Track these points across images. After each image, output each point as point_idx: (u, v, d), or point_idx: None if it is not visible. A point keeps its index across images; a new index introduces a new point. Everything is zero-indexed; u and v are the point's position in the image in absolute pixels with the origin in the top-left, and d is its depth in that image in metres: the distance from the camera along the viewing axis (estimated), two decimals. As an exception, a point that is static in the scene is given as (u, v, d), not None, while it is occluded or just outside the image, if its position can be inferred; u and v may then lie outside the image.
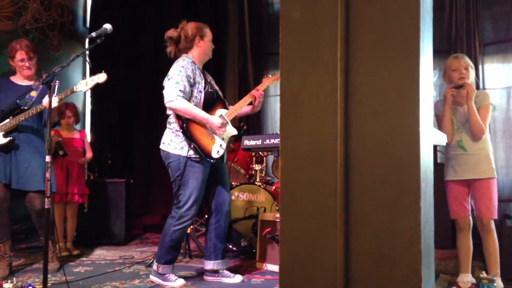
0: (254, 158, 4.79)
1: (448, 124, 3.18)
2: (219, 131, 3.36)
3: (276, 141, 3.78)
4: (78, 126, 4.91)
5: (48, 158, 2.77)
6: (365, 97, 1.51)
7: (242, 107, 3.59)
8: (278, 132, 1.59)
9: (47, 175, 2.74)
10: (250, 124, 6.08)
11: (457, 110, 3.20)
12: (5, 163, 3.60)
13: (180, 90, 3.24)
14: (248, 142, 3.91)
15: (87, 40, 6.49)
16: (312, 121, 1.56)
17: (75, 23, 6.62)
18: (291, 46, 1.61)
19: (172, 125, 3.37)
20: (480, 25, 5.16)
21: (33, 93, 3.67)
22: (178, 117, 3.32)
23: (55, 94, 3.42)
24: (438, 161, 4.91)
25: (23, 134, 3.65)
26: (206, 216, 3.71)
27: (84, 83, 3.46)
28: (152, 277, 3.41)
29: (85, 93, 6.71)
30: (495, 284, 2.46)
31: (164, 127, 3.48)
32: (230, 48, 6.47)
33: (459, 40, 5.21)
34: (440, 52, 5.30)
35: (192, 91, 3.34)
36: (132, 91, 6.92)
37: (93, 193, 4.81)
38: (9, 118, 3.60)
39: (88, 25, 6.85)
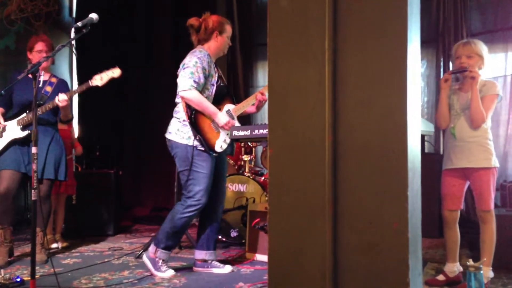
0: (243, 149, 4.79)
1: (444, 110, 3.11)
2: (224, 128, 3.38)
3: (265, 131, 3.76)
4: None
5: (34, 150, 2.74)
6: (353, 87, 1.51)
7: (248, 106, 3.63)
8: (267, 123, 1.59)
9: (34, 166, 2.72)
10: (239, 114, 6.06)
11: (460, 95, 3.11)
12: (22, 154, 3.72)
13: (195, 81, 3.26)
14: (237, 133, 3.88)
15: (72, 30, 6.41)
16: (301, 111, 1.56)
17: (61, 13, 6.53)
18: (279, 36, 1.61)
19: (179, 114, 3.37)
20: (467, 15, 5.18)
21: (48, 88, 3.84)
22: (188, 106, 3.32)
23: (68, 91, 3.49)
24: (426, 150, 4.95)
25: (39, 126, 3.66)
26: None
27: (99, 78, 3.58)
28: (145, 260, 3.38)
29: (71, 84, 6.65)
30: (481, 272, 2.48)
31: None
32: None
33: (446, 31, 5.23)
34: (428, 42, 5.33)
35: (205, 83, 3.35)
36: (121, 82, 6.85)
37: (81, 185, 4.78)
38: (25, 112, 3.74)
39: (74, 15, 6.76)
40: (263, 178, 4.56)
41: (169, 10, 6.63)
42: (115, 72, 3.59)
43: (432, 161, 4.39)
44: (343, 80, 1.52)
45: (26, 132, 3.69)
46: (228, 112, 3.48)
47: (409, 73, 1.46)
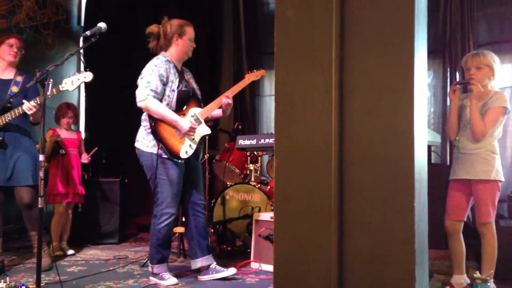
0: (249, 158, 4.79)
1: (452, 121, 3.10)
2: (188, 134, 3.33)
3: (271, 140, 3.77)
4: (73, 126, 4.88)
5: (41, 157, 2.76)
6: (360, 97, 1.51)
7: (214, 108, 3.54)
8: (273, 132, 1.59)
9: (41, 174, 2.73)
10: (245, 123, 6.07)
11: (467, 108, 3.09)
12: None
13: (152, 90, 3.26)
14: (243, 142, 3.91)
15: (81, 38, 6.46)
16: (307, 121, 1.56)
17: (69, 22, 6.59)
18: (286, 46, 1.61)
19: (144, 123, 3.39)
20: (474, 26, 5.17)
21: (14, 88, 3.65)
22: (149, 116, 3.33)
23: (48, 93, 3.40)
24: (433, 161, 4.93)
25: (9, 133, 3.63)
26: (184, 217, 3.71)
27: (70, 82, 3.38)
28: (151, 278, 3.41)
29: (79, 92, 6.69)
30: (488, 284, 2.46)
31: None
32: (225, 48, 6.47)
33: (453, 41, 5.23)
34: (435, 52, 5.33)
35: (164, 90, 3.33)
36: (127, 90, 6.89)
37: (87, 193, 4.78)
38: None
39: (82, 23, 6.81)
40: (268, 187, 4.55)
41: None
42: (87, 76, 3.37)
43: (439, 172, 4.37)
44: (349, 89, 1.52)
45: None
46: (194, 116, 3.43)
47: (415, 83, 1.46)
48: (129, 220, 5.91)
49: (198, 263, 3.49)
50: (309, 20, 1.58)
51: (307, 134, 1.56)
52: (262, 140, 3.78)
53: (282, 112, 1.62)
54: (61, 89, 3.42)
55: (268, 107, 6.14)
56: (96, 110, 6.76)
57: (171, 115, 3.30)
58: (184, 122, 3.32)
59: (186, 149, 3.34)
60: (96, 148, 4.90)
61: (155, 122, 3.30)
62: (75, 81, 3.39)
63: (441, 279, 3.38)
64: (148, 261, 3.45)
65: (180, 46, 3.45)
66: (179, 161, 3.32)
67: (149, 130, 3.33)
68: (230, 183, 4.66)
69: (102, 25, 3.05)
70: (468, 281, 3.11)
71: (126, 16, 6.82)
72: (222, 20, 6.49)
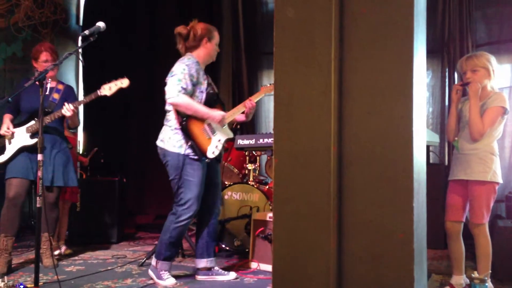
0: (247, 158, 4.79)
1: (451, 122, 3.11)
2: (222, 123, 3.40)
3: (270, 140, 3.78)
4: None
5: (40, 157, 2.76)
6: (359, 97, 1.51)
7: (238, 113, 3.62)
8: (272, 132, 1.59)
9: (39, 173, 2.73)
10: (243, 123, 6.06)
11: (466, 109, 3.08)
12: (31, 161, 3.72)
13: (182, 87, 3.26)
14: (242, 142, 3.91)
15: (79, 38, 6.46)
16: (306, 121, 1.57)
17: (68, 21, 6.58)
18: (285, 46, 1.61)
19: (171, 123, 3.37)
20: (473, 26, 5.18)
21: (56, 95, 3.88)
22: (178, 113, 3.32)
23: (47, 92, 3.43)
24: (431, 161, 4.93)
25: (47, 135, 3.71)
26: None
27: (108, 88, 3.65)
28: (150, 272, 3.41)
29: (77, 92, 6.68)
30: (486, 284, 2.47)
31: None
32: (224, 48, 6.43)
33: (452, 41, 5.23)
34: (433, 53, 5.33)
35: (194, 90, 3.36)
36: (126, 90, 6.88)
37: (86, 192, 4.79)
38: (34, 119, 3.76)
39: (81, 23, 6.81)
40: (267, 187, 4.55)
41: (173, 20, 6.64)
42: (124, 82, 3.65)
43: (437, 172, 4.38)
44: (348, 90, 1.52)
45: (35, 140, 3.70)
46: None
47: (414, 83, 1.46)
48: (127, 220, 5.91)
49: (203, 263, 3.50)
50: (309, 20, 1.58)
51: (306, 134, 1.56)
52: (261, 140, 3.79)
53: (281, 112, 1.62)
54: (99, 94, 3.68)
55: (267, 107, 6.13)
56: (95, 110, 6.75)
57: (203, 108, 3.34)
58: (216, 113, 3.38)
59: (212, 150, 3.37)
60: (96, 148, 4.90)
61: (187, 119, 3.30)
62: (112, 87, 3.68)
63: (440, 279, 3.39)
64: (153, 256, 3.43)
65: (208, 49, 3.50)
66: (206, 160, 3.34)
67: (176, 130, 3.32)
68: (229, 183, 4.66)
69: (100, 24, 3.05)
70: (468, 281, 3.11)
71: (125, 15, 6.81)
72: (221, 19, 6.47)
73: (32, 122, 3.76)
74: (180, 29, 3.48)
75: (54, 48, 3.98)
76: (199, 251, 3.52)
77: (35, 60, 3.90)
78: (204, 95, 3.41)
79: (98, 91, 3.65)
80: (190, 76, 3.31)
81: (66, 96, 3.87)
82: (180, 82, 3.26)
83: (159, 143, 3.40)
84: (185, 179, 3.30)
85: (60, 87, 3.97)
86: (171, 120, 3.37)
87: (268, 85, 3.91)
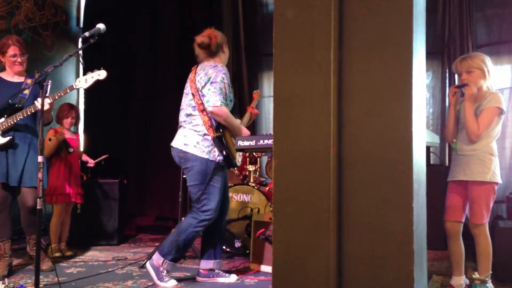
0: (248, 159, 4.79)
1: (450, 124, 3.14)
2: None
3: (270, 141, 3.77)
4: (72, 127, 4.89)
5: (40, 158, 2.75)
6: (358, 98, 1.51)
7: (248, 121, 3.82)
8: (272, 133, 1.59)
9: (40, 175, 2.73)
10: (243, 125, 6.07)
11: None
12: (7, 162, 3.60)
13: (223, 97, 3.30)
14: (242, 143, 3.89)
15: (80, 39, 6.46)
16: (306, 122, 1.57)
17: (68, 23, 6.59)
18: (285, 47, 1.62)
19: (199, 128, 3.33)
20: (473, 27, 5.18)
21: (26, 91, 3.66)
22: (211, 120, 3.33)
23: (47, 94, 3.41)
24: (431, 162, 4.93)
25: (18, 133, 3.64)
26: None
27: (84, 80, 3.41)
28: (149, 267, 3.36)
29: (78, 93, 6.69)
30: (487, 285, 2.47)
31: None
32: (224, 49, 6.47)
33: (452, 42, 5.23)
34: (433, 53, 5.33)
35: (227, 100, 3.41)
36: (126, 91, 6.90)
37: (86, 194, 4.79)
38: (3, 117, 3.60)
39: (81, 25, 6.81)
40: (267, 188, 4.55)
41: (174, 22, 6.66)
42: (101, 74, 3.39)
43: (437, 173, 4.37)
44: (348, 91, 1.52)
45: (6, 139, 3.57)
46: None
47: (414, 84, 1.46)
48: (128, 221, 5.91)
49: (209, 264, 3.49)
50: (308, 21, 1.58)
51: (306, 135, 1.56)
52: (261, 141, 3.77)
53: (280, 113, 1.62)
54: (75, 87, 3.45)
55: (267, 108, 6.14)
56: (95, 111, 6.76)
57: (237, 123, 3.47)
58: (245, 130, 3.53)
59: (238, 158, 3.52)
60: (108, 155, 4.90)
61: (223, 130, 3.36)
62: (88, 79, 3.41)
63: (440, 280, 3.38)
64: (158, 253, 3.39)
65: (226, 54, 3.57)
66: (234, 168, 3.46)
67: (206, 136, 3.31)
68: (229, 184, 4.66)
69: (101, 26, 3.05)
70: (468, 282, 3.11)
71: (125, 15, 6.82)
72: (221, 20, 6.48)
73: (2, 120, 3.59)
74: (202, 38, 3.45)
75: (22, 41, 3.81)
76: (207, 252, 3.51)
77: (2, 55, 3.74)
78: (232, 104, 3.47)
79: (74, 84, 3.44)
80: (228, 86, 3.37)
81: (36, 94, 3.66)
82: (222, 92, 3.29)
83: (182, 146, 3.35)
84: (211, 185, 3.31)
85: (29, 81, 3.75)
86: (199, 125, 3.34)
87: (257, 90, 4.21)
